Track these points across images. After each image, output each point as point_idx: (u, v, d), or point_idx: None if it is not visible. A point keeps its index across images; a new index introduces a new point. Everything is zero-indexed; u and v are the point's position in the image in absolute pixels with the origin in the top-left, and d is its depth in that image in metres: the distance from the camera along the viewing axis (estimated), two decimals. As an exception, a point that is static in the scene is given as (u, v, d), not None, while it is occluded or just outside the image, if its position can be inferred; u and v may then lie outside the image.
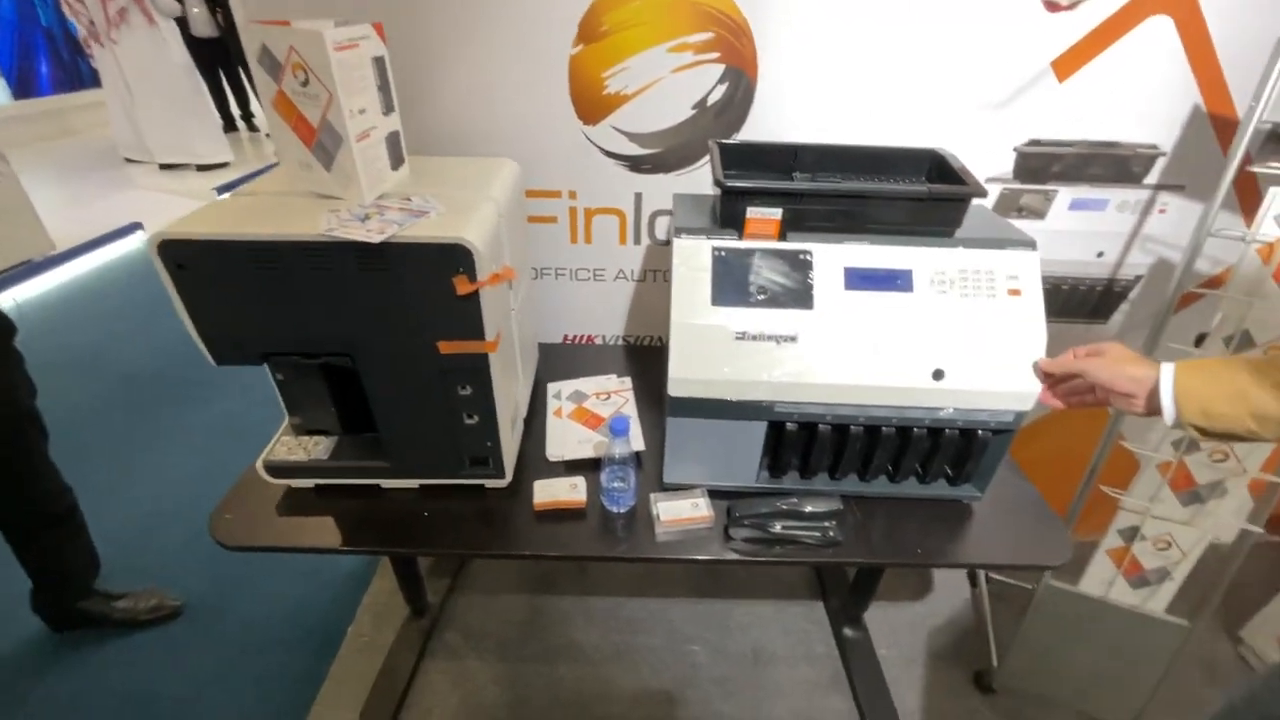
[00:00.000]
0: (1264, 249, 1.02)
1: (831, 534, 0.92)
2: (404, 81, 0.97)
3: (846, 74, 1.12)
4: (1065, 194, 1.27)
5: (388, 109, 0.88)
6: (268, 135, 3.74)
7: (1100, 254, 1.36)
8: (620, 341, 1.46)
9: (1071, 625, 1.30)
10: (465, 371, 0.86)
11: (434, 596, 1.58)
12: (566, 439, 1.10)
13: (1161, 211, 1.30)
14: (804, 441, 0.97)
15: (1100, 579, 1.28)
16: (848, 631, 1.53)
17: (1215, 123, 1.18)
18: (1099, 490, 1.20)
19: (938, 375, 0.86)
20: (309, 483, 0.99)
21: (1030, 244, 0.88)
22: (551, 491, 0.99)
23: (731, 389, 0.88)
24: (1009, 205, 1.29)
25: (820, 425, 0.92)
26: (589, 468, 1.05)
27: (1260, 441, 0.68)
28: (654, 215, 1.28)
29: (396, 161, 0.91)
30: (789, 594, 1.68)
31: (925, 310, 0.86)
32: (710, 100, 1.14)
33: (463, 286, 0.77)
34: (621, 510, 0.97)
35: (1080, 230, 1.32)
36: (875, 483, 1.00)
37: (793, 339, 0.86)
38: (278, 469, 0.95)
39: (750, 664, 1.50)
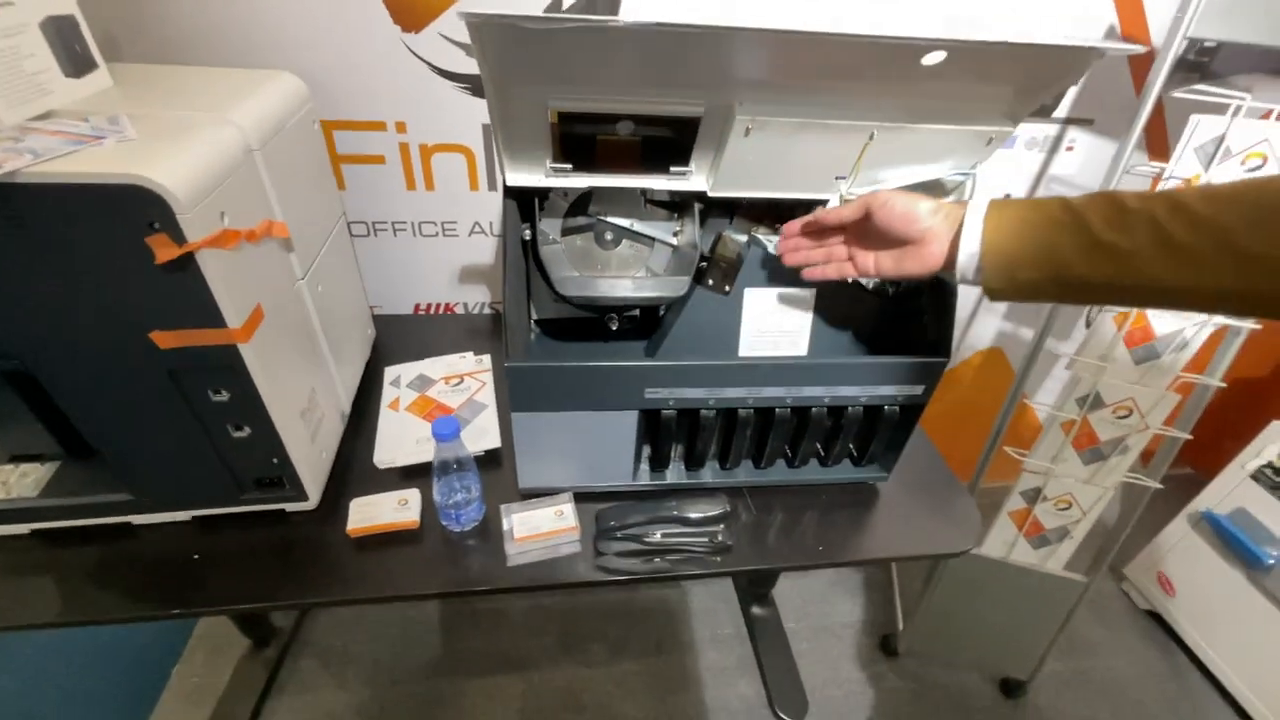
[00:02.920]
0: (1119, 315, 0.98)
1: (720, 538, 0.77)
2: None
3: (731, -28, 0.91)
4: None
5: (46, -20, 0.58)
6: None
7: (1007, 195, 1.25)
8: (486, 310, 1.23)
9: (974, 588, 1.26)
10: (209, 370, 0.61)
11: (284, 618, 1.34)
12: (403, 439, 0.88)
13: (1069, 149, 1.21)
14: (686, 429, 0.80)
15: (1002, 541, 1.23)
16: (756, 610, 1.44)
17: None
18: (1003, 451, 1.13)
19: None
20: (21, 528, 0.72)
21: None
22: (371, 512, 0.77)
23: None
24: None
25: (702, 411, 0.75)
26: (430, 474, 0.83)
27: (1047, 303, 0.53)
28: (510, 154, 1.03)
29: (76, 64, 0.62)
30: (696, 572, 1.57)
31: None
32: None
33: (162, 250, 0.51)
34: (465, 528, 0.78)
35: (988, 170, 1.20)
36: (771, 470, 0.85)
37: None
38: (-42, 516, 0.68)
39: (654, 656, 1.38)
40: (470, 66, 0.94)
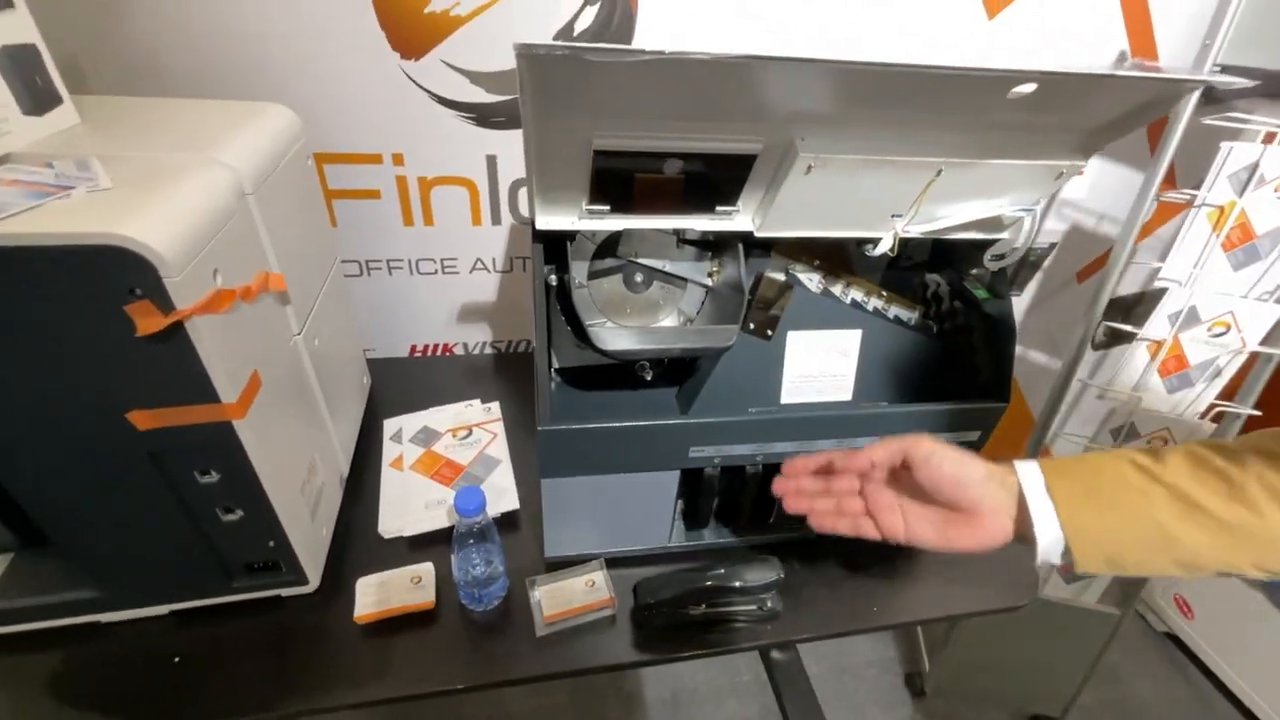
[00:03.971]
0: (1153, 345, 0.95)
1: (770, 605, 0.70)
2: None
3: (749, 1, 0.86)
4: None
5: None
6: None
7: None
8: (488, 350, 1.15)
9: (1004, 623, 1.22)
10: (197, 451, 0.53)
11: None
12: (409, 503, 0.79)
13: (1080, 173, 1.19)
14: (726, 486, 0.74)
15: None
16: (775, 655, 1.36)
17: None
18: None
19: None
20: (-36, 634, 0.61)
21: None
22: (383, 594, 0.68)
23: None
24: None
25: (748, 468, 0.69)
26: (444, 542, 0.75)
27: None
28: (516, 185, 0.97)
29: (37, 100, 0.53)
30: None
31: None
32: (578, 26, 0.85)
33: (145, 321, 0.43)
34: (488, 607, 0.69)
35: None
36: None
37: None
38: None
39: (670, 710, 1.29)
40: (475, 95, 0.87)
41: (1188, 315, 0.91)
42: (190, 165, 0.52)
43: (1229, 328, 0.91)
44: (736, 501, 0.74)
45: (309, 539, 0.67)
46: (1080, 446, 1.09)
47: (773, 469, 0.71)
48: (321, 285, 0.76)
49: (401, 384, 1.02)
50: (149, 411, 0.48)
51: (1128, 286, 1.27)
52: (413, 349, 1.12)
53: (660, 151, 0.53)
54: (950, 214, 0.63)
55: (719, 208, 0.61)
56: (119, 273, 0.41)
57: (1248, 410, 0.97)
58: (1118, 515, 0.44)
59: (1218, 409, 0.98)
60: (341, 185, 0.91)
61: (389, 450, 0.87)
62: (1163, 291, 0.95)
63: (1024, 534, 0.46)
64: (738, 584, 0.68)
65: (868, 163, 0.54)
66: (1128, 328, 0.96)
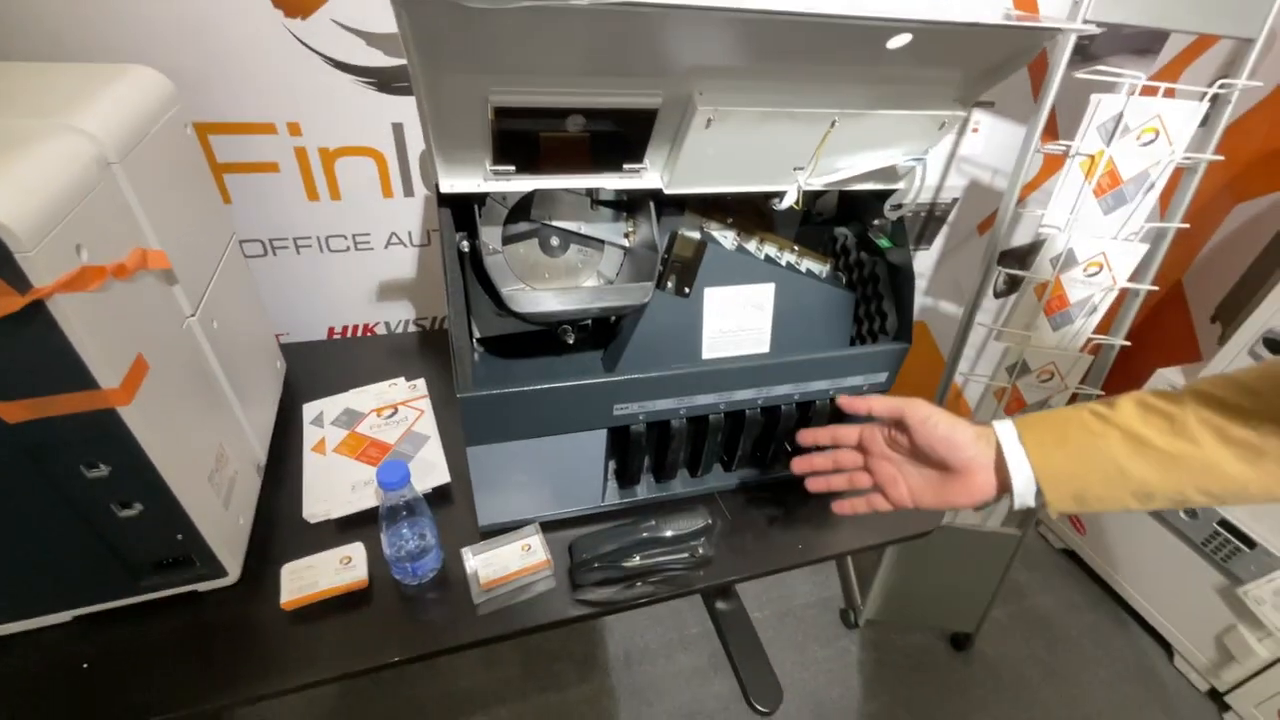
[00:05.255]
0: (1039, 286, 1.04)
1: (701, 551, 0.73)
2: None
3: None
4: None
5: None
6: None
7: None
8: (411, 328, 1.12)
9: (923, 553, 1.32)
10: (81, 442, 0.49)
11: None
12: (334, 486, 0.77)
13: (974, 130, 1.27)
14: (655, 442, 0.76)
15: (947, 506, 1.29)
16: (720, 605, 1.43)
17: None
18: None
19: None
20: None
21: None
22: (309, 577, 0.66)
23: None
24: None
25: (673, 422, 0.71)
26: (374, 521, 0.73)
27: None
28: (426, 155, 0.93)
29: None
30: (656, 574, 1.54)
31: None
32: (477, -16, 0.81)
33: (3, 302, 0.40)
34: (423, 579, 0.69)
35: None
36: (742, 472, 0.83)
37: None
38: None
39: (623, 669, 1.34)
40: (372, 59, 0.83)
41: (1066, 258, 1.00)
42: (41, 132, 0.47)
43: (1101, 267, 1.00)
44: (666, 457, 0.77)
45: (224, 530, 0.64)
46: (982, 386, 1.18)
47: (698, 421, 0.74)
48: (216, 264, 0.71)
49: (320, 367, 0.98)
50: (19, 403, 0.44)
51: (1022, 237, 1.37)
52: (331, 331, 1.07)
53: (561, 108, 0.53)
54: (848, 165, 0.66)
55: (626, 165, 0.61)
56: (-42, 250, 0.37)
57: (1119, 341, 1.07)
58: (1080, 457, 0.49)
59: (1094, 342, 1.08)
60: (233, 158, 0.85)
61: (310, 435, 0.84)
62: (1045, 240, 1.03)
63: (1005, 485, 0.52)
64: (669, 533, 0.71)
65: (765, 115, 0.56)
66: (1019, 272, 1.04)
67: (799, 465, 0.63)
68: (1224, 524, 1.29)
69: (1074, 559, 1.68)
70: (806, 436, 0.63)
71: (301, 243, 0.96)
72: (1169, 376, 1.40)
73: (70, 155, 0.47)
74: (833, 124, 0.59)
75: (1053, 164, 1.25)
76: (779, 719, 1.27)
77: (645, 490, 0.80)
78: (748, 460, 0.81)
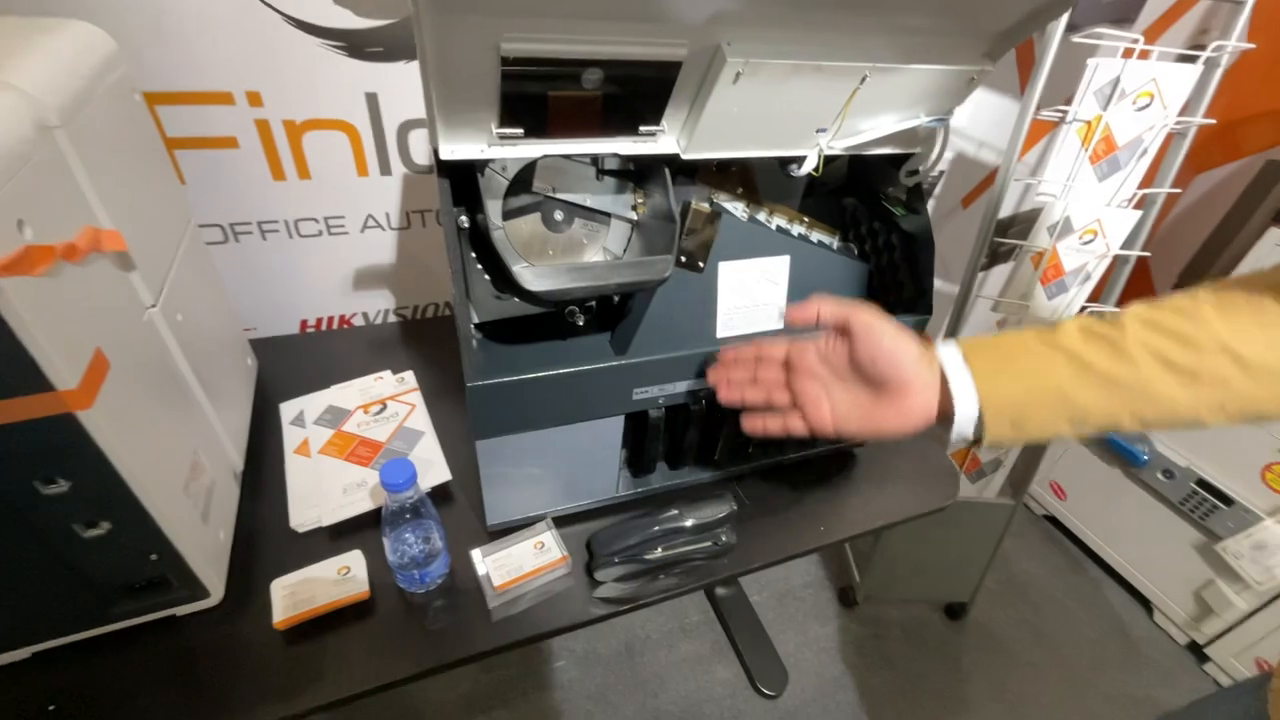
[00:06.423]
0: (1035, 255, 1.02)
1: (725, 539, 0.70)
2: None
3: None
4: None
5: None
6: None
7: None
8: (392, 317, 1.05)
9: (920, 528, 1.32)
10: (35, 453, 0.42)
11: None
12: (324, 490, 0.70)
13: (988, 74, 1.26)
14: (673, 427, 0.72)
15: (943, 479, 1.30)
16: (721, 591, 1.40)
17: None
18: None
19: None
20: None
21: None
22: (305, 593, 0.60)
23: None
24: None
25: (691, 406, 0.67)
26: (372, 527, 0.68)
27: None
28: (405, 127, 0.86)
29: None
30: (652, 563, 1.51)
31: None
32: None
33: (-77, 288, 0.32)
34: (430, 586, 0.64)
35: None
36: (757, 455, 0.80)
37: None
38: None
39: (625, 661, 1.31)
40: (341, 18, 0.75)
41: (1063, 226, 0.99)
42: (-39, 88, 0.39)
43: (1096, 234, 1.00)
44: (681, 442, 0.73)
45: (203, 546, 0.57)
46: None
47: (715, 404, 0.70)
48: (175, 250, 0.63)
49: (295, 364, 0.90)
50: (-47, 411, 0.37)
51: (1007, 208, 1.38)
52: (304, 324, 0.99)
53: (578, 59, 0.47)
54: (871, 127, 0.63)
55: (642, 128, 0.56)
56: None
57: (1111, 308, 1.08)
58: (1025, 382, 0.47)
59: (1088, 310, 1.09)
60: (185, 132, 0.76)
61: (291, 436, 0.77)
62: (1038, 211, 1.03)
63: (945, 411, 0.49)
64: (691, 522, 0.67)
65: (795, 69, 0.52)
66: (1018, 241, 1.03)
67: (723, 392, 0.58)
68: (1201, 483, 1.33)
69: (1055, 524, 1.72)
70: (729, 354, 0.59)
71: (267, 227, 0.87)
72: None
73: (3, 114, 0.39)
74: (863, 79, 0.55)
75: (1037, 132, 1.25)
76: (783, 699, 1.26)
77: (660, 479, 0.76)
78: (762, 441, 0.78)
